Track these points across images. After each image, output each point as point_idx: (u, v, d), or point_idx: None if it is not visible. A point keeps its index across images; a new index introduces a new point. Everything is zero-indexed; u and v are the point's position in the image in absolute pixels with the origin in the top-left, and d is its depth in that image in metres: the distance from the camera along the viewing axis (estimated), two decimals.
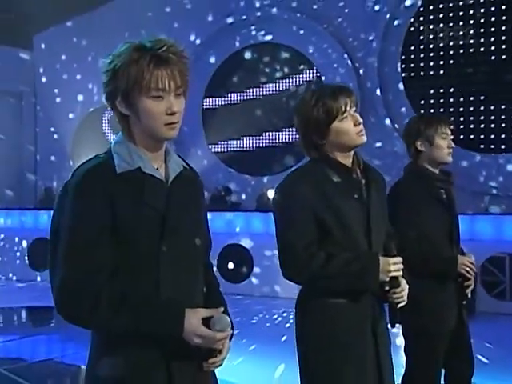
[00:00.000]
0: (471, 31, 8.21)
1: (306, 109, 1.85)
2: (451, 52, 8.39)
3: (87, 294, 1.26)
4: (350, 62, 9.10)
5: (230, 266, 7.92)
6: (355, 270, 1.77)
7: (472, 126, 8.30)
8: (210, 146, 10.30)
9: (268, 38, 9.77)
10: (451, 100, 8.42)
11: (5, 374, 4.25)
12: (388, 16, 8.70)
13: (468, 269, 2.44)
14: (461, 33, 8.28)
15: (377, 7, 8.79)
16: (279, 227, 1.86)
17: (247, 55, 10.01)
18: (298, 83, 9.52)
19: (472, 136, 8.29)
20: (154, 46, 1.29)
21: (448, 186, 2.54)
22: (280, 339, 5.04)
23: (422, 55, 8.64)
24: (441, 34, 8.41)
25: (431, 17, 8.51)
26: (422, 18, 8.59)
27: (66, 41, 11.12)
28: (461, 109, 8.35)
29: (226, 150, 10.22)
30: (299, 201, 1.80)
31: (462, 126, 8.30)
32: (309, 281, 1.84)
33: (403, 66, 8.80)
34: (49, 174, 11.45)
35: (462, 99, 8.33)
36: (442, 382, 2.58)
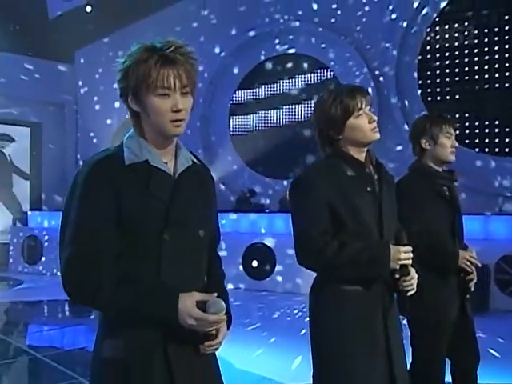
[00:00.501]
0: (486, 38, 8.08)
1: (325, 106, 1.87)
2: (466, 59, 8.26)
3: (90, 277, 1.26)
4: (368, 69, 9.04)
5: (254, 263, 7.94)
6: (367, 258, 1.76)
7: (487, 130, 8.14)
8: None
9: (291, 50, 9.79)
10: (467, 105, 8.28)
11: (44, 360, 4.39)
12: (405, 25, 8.61)
13: (469, 263, 2.40)
14: (475, 41, 8.15)
15: (393, 16, 8.72)
16: (296, 217, 1.87)
17: (271, 66, 10.05)
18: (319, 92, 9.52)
19: (487, 140, 8.13)
20: (163, 47, 1.30)
21: (451, 183, 2.50)
22: (299, 333, 5.02)
23: (437, 63, 8.53)
24: (456, 43, 8.30)
25: (446, 26, 8.40)
26: (437, 28, 8.48)
27: (102, 55, 11.40)
28: (477, 114, 8.20)
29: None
30: (315, 192, 1.80)
31: (477, 131, 8.16)
32: (322, 267, 1.83)
33: (420, 73, 8.70)
34: None
35: (477, 104, 8.19)
36: (448, 373, 2.56)
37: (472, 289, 2.47)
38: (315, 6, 9.34)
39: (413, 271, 1.82)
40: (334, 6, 9.19)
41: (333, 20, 9.22)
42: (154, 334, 1.29)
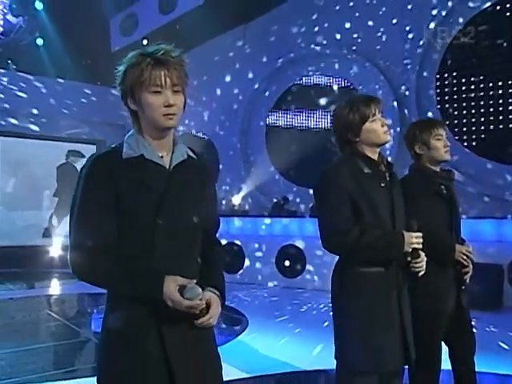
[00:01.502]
0: (500, 56, 7.81)
1: (344, 113, 1.93)
2: (481, 77, 8.00)
3: (90, 260, 1.28)
4: (390, 87, 8.90)
5: (287, 263, 7.90)
6: (384, 243, 1.81)
7: (503, 142, 7.83)
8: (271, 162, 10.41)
9: (316, 72, 9.81)
10: (482, 119, 8.02)
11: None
12: (423, 43, 8.43)
13: (465, 257, 2.31)
14: (492, 59, 7.89)
15: (410, 35, 8.57)
16: (321, 207, 1.90)
17: (300, 86, 10.08)
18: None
19: (504, 150, 7.82)
20: (154, 51, 1.32)
21: (448, 182, 2.41)
22: (322, 325, 4.99)
23: (455, 80, 8.31)
24: (473, 59, 8.06)
25: (464, 43, 8.16)
26: (455, 48, 8.26)
27: None
28: (491, 126, 7.92)
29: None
30: (338, 185, 1.85)
31: (493, 142, 7.87)
32: (345, 251, 1.86)
33: (438, 90, 8.50)
34: None
35: (492, 118, 7.91)
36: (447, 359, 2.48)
37: (468, 281, 2.37)
38: (338, 36, 9.33)
39: (422, 254, 1.86)
40: (355, 36, 9.15)
41: (354, 48, 9.15)
42: (149, 309, 1.30)
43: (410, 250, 1.82)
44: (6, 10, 10.82)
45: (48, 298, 7.60)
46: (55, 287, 8.84)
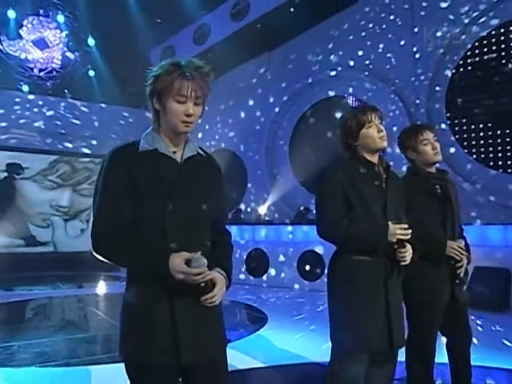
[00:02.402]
0: (507, 74, 7.62)
1: (345, 121, 2.00)
2: (488, 95, 7.83)
3: (108, 239, 1.32)
4: (403, 105, 8.82)
5: (307, 267, 7.88)
6: (370, 232, 1.86)
7: (510, 153, 7.60)
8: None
9: (332, 93, 9.84)
10: (489, 133, 7.83)
11: None
12: (432, 62, 8.33)
13: (456, 252, 2.26)
14: (497, 78, 7.72)
15: (417, 56, 8.50)
16: (318, 200, 1.97)
17: (319, 108, 10.11)
18: None
19: (509, 161, 7.58)
20: (186, 64, 1.35)
21: (443, 182, 2.37)
22: None
23: (463, 97, 8.16)
24: (481, 78, 7.90)
25: (471, 63, 8.03)
26: (463, 69, 8.14)
27: None
28: (499, 140, 7.72)
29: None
30: (331, 181, 1.91)
31: (500, 154, 7.66)
32: (336, 240, 1.92)
33: (447, 106, 8.36)
34: None
35: (499, 132, 7.71)
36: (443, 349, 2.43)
37: (461, 275, 2.33)
38: (352, 63, 9.35)
39: (408, 246, 1.87)
40: (367, 62, 9.14)
41: (367, 72, 9.13)
42: (161, 285, 1.32)
43: (395, 240, 1.83)
44: (65, 48, 11.45)
45: (94, 297, 7.86)
46: (100, 287, 9.11)
